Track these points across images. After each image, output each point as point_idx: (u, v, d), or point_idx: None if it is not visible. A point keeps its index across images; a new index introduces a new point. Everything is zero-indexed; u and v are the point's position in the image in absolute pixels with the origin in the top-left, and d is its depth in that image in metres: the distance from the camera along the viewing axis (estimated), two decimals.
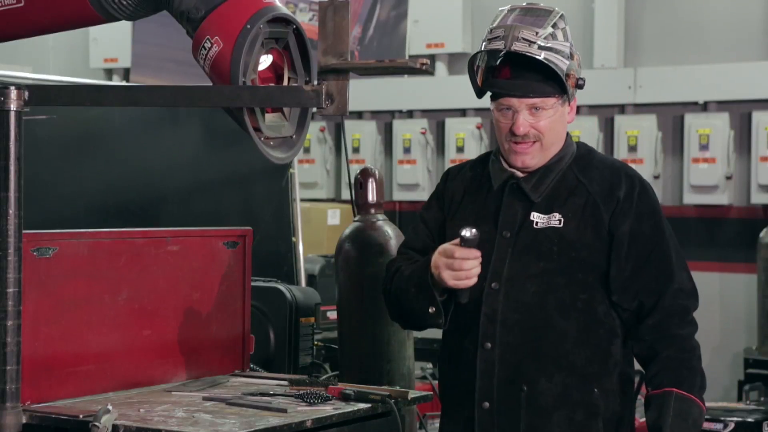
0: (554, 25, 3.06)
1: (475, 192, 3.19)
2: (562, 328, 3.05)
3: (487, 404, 3.08)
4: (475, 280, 3.00)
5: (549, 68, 3.02)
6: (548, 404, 3.05)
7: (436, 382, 5.60)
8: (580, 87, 3.11)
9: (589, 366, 3.07)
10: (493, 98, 3.12)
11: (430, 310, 3.06)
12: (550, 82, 3.05)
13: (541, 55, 3.01)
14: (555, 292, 3.06)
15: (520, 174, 3.13)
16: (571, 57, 3.07)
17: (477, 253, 2.97)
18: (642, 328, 3.09)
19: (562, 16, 3.10)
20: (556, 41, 3.04)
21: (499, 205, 3.13)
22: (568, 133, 3.19)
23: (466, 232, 2.95)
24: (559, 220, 3.08)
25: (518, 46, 3.01)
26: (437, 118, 8.29)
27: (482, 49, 3.07)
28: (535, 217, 3.10)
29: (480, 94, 3.16)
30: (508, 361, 3.06)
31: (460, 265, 2.96)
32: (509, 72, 3.06)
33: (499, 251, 3.09)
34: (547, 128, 3.08)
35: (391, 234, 3.78)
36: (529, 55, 3.01)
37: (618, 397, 3.12)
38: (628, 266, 3.07)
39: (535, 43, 3.01)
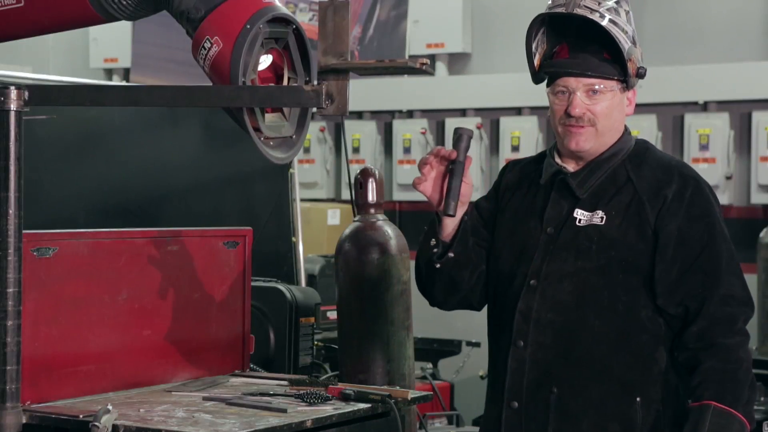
0: (618, 2, 2.96)
1: (527, 187, 3.11)
2: (597, 331, 2.94)
3: (515, 404, 3.00)
4: (428, 181, 2.96)
5: (609, 47, 2.92)
6: (578, 410, 2.94)
7: (437, 382, 5.67)
8: (641, 76, 2.99)
9: (629, 373, 2.94)
10: (549, 82, 3.01)
11: (431, 243, 3.04)
12: (610, 63, 2.95)
13: (604, 21, 2.90)
14: (592, 292, 2.95)
15: (569, 169, 3.03)
16: (634, 42, 2.96)
17: (447, 153, 2.95)
18: (686, 335, 2.92)
19: None
20: (619, 17, 2.94)
21: (547, 201, 3.05)
22: (627, 128, 3.07)
23: (460, 127, 2.96)
24: (601, 218, 2.98)
25: (579, 12, 2.91)
26: (437, 118, 8.28)
27: (544, 11, 2.97)
28: (579, 214, 3.00)
29: (536, 78, 3.05)
30: (539, 361, 2.97)
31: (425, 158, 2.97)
32: (567, 52, 2.97)
33: (541, 248, 3.01)
34: (603, 113, 2.97)
35: (391, 234, 3.78)
36: (590, 18, 2.90)
37: (662, 409, 2.95)
38: (674, 269, 2.93)
39: (597, 11, 2.90)
